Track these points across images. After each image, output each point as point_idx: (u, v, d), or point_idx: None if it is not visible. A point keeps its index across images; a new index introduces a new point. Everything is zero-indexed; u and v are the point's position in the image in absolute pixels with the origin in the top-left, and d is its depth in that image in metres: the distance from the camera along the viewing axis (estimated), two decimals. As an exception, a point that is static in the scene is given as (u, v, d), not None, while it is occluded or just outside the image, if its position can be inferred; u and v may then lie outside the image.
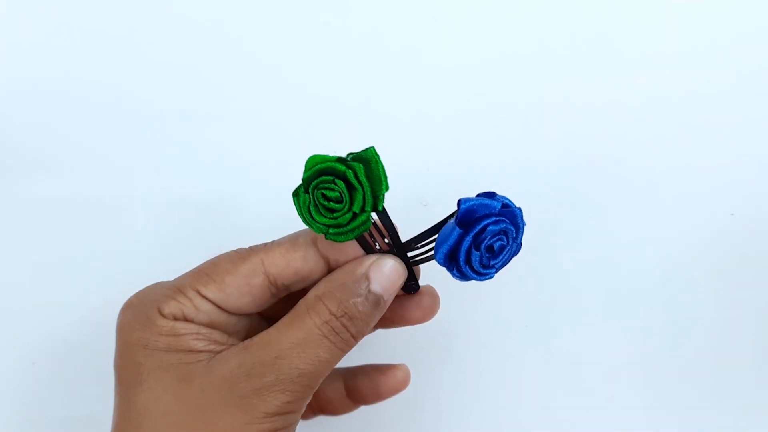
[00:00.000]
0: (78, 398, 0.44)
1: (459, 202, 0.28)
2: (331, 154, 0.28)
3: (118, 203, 0.44)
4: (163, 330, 0.29)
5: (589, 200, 0.44)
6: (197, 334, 0.29)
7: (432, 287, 0.34)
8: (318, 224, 0.29)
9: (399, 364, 0.37)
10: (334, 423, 0.39)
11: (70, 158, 0.44)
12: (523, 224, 0.30)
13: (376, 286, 0.30)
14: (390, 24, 0.44)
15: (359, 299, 0.29)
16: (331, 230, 0.29)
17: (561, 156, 0.44)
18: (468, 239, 0.28)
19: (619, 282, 0.44)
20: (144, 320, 0.30)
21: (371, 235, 0.30)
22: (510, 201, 0.29)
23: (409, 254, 0.31)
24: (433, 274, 0.33)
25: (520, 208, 0.29)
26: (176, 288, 0.31)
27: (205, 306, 0.30)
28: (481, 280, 0.29)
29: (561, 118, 0.44)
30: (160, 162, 0.44)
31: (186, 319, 0.30)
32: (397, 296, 0.32)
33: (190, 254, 0.44)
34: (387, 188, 0.28)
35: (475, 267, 0.29)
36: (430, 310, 0.34)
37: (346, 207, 0.28)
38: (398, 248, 0.30)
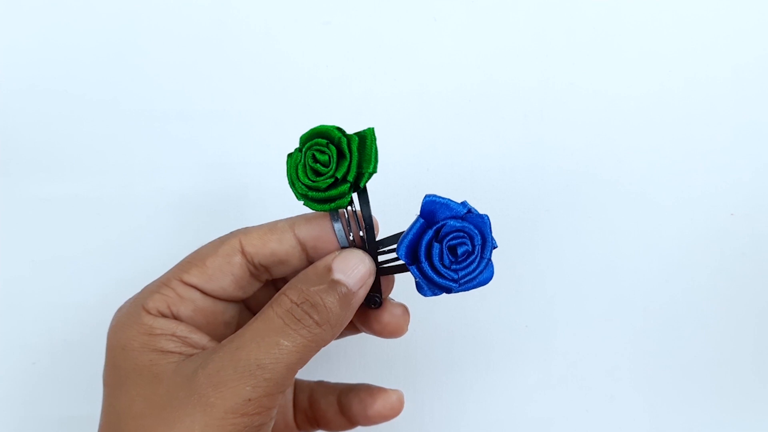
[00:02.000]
0: (78, 398, 0.44)
1: (425, 196, 0.28)
2: (335, 124, 0.29)
3: (117, 203, 0.44)
4: (141, 329, 0.29)
5: (589, 200, 0.44)
6: (172, 335, 0.29)
7: (402, 306, 0.33)
8: (300, 184, 0.29)
9: (393, 390, 0.35)
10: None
11: (70, 158, 0.44)
12: (492, 239, 0.29)
13: (340, 275, 0.29)
14: (390, 24, 0.44)
15: (322, 287, 0.29)
16: (310, 193, 0.29)
17: (561, 156, 0.44)
18: (429, 232, 0.28)
19: (620, 282, 0.44)
20: (127, 320, 0.30)
21: (348, 223, 0.31)
22: (477, 211, 0.29)
23: (381, 258, 0.31)
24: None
25: (486, 215, 0.29)
26: (160, 282, 0.31)
27: (189, 293, 0.30)
28: (440, 283, 0.28)
29: (561, 118, 0.44)
30: (160, 162, 0.44)
31: (172, 312, 0.30)
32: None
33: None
34: (375, 170, 0.29)
35: (435, 263, 0.28)
36: (390, 328, 0.32)
37: (331, 172, 0.29)
38: (370, 242, 0.30)
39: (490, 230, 0.29)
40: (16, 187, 0.44)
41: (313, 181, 0.29)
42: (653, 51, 0.44)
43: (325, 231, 0.31)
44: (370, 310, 0.32)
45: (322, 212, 0.30)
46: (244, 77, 0.44)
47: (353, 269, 0.29)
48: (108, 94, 0.44)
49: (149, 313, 0.30)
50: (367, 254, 0.30)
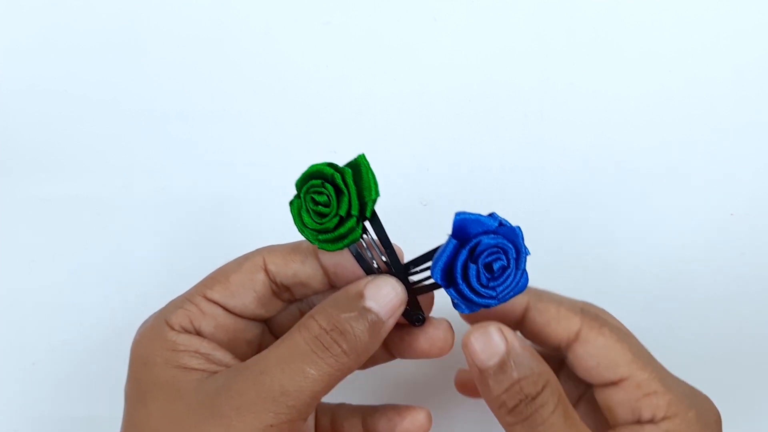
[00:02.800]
0: (77, 398, 0.44)
1: (455, 215, 0.28)
2: (325, 161, 0.29)
3: (117, 203, 0.44)
4: (164, 344, 0.29)
5: (589, 200, 0.44)
6: (195, 351, 0.29)
7: (446, 321, 0.32)
8: (309, 230, 0.29)
9: (420, 407, 0.34)
10: None
11: (70, 158, 0.44)
12: (525, 249, 0.28)
13: (371, 303, 0.28)
14: (390, 24, 0.44)
15: (352, 314, 0.28)
16: (320, 236, 0.28)
17: (561, 156, 0.44)
18: (464, 252, 0.27)
19: (619, 282, 0.44)
20: (150, 334, 0.30)
21: (368, 251, 0.30)
22: (509, 222, 0.28)
23: (413, 279, 0.30)
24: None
25: (519, 228, 0.28)
26: (184, 297, 0.31)
27: (211, 309, 0.30)
28: (479, 303, 0.28)
29: (561, 118, 0.44)
30: (160, 162, 0.44)
31: (194, 328, 0.30)
32: (404, 325, 0.31)
33: (190, 254, 0.44)
34: (377, 195, 0.28)
35: (473, 284, 0.28)
36: (440, 344, 0.32)
37: (333, 211, 0.28)
38: (395, 266, 0.29)
39: (523, 241, 0.28)
40: (16, 187, 0.44)
41: (320, 224, 0.28)
42: (653, 51, 0.44)
43: (347, 259, 0.30)
44: (413, 332, 0.32)
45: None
46: (244, 77, 0.44)
47: (385, 297, 0.29)
48: (108, 94, 0.44)
49: (172, 328, 0.30)
50: (399, 282, 0.29)
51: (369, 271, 0.30)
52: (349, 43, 0.44)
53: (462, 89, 0.44)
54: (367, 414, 0.35)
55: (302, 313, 0.34)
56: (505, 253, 0.28)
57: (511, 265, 0.28)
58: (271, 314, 0.32)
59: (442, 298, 0.33)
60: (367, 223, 0.29)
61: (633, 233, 0.44)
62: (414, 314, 0.31)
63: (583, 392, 0.35)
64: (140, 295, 0.44)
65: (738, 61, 0.44)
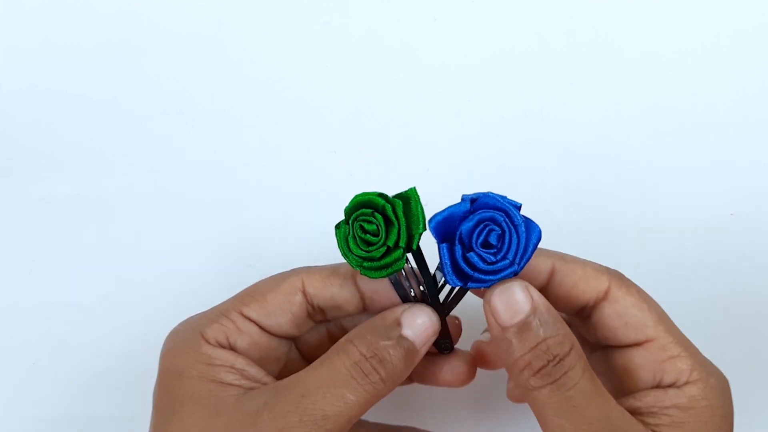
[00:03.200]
0: (78, 398, 0.44)
1: (428, 223, 0.28)
2: (376, 191, 0.29)
3: (118, 203, 0.44)
4: (200, 358, 0.29)
5: (589, 200, 0.44)
6: (231, 367, 0.29)
7: (470, 354, 0.33)
8: (353, 256, 0.29)
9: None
10: None
11: (70, 158, 0.44)
12: (513, 204, 0.28)
13: (408, 331, 0.29)
14: (390, 24, 0.44)
15: (390, 342, 0.28)
16: (365, 263, 0.29)
17: (561, 156, 0.44)
18: (456, 248, 0.28)
19: (619, 282, 0.44)
20: (184, 346, 0.30)
21: (407, 280, 0.30)
22: (479, 194, 0.28)
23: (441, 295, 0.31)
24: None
25: (491, 192, 0.28)
26: (219, 312, 0.31)
27: (248, 327, 0.31)
28: (503, 276, 0.28)
29: (561, 118, 0.44)
30: (160, 162, 0.44)
31: (229, 343, 0.30)
32: (430, 353, 0.32)
33: (190, 254, 0.44)
34: (424, 229, 0.28)
35: (481, 267, 0.28)
36: (462, 377, 0.33)
37: (382, 241, 0.28)
38: (432, 295, 0.30)
39: (502, 199, 0.28)
40: (16, 187, 0.44)
41: (366, 252, 0.29)
42: (653, 51, 0.44)
43: (385, 286, 0.31)
44: (437, 362, 0.33)
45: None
46: (244, 77, 0.44)
47: (421, 326, 0.29)
48: (108, 94, 0.44)
49: (208, 342, 0.30)
50: (434, 311, 0.30)
51: (405, 298, 0.31)
52: (349, 43, 0.44)
53: (462, 89, 0.44)
54: None
55: (329, 333, 0.34)
56: (494, 221, 0.28)
57: (506, 228, 0.28)
58: (301, 333, 0.33)
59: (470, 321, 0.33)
60: (409, 255, 0.29)
61: (633, 233, 0.44)
62: (443, 342, 0.32)
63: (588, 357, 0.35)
64: (140, 295, 0.44)
65: (738, 61, 0.44)
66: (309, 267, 0.32)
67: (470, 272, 0.28)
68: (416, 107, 0.44)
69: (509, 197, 0.29)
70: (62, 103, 0.44)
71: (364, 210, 0.29)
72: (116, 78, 0.44)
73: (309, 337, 0.34)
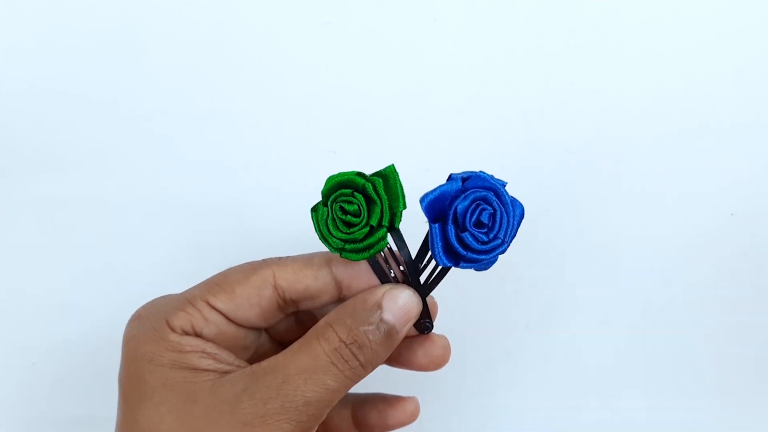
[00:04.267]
0: (78, 398, 0.44)
1: (420, 202, 0.28)
2: (353, 170, 0.28)
3: (117, 203, 0.44)
4: (169, 345, 0.29)
5: (589, 200, 0.44)
6: (202, 352, 0.29)
7: (445, 338, 0.33)
8: (334, 239, 0.28)
9: (409, 397, 0.35)
10: None
11: (70, 158, 0.44)
12: (501, 183, 0.28)
13: (389, 315, 0.29)
14: (390, 24, 0.44)
15: (370, 327, 0.28)
16: (347, 246, 0.28)
17: (561, 156, 0.44)
18: (450, 227, 0.28)
19: (619, 282, 0.44)
20: (151, 333, 0.29)
21: (386, 261, 0.30)
22: (470, 172, 0.28)
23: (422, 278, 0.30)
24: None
25: (482, 172, 0.28)
26: (186, 299, 0.30)
27: (214, 317, 0.30)
28: (494, 255, 0.28)
29: (561, 118, 0.44)
30: (160, 162, 0.44)
31: (195, 332, 0.30)
32: (407, 337, 0.32)
33: (190, 254, 0.44)
34: (404, 206, 0.28)
35: (476, 247, 0.28)
36: (438, 360, 0.33)
37: (364, 221, 0.28)
38: (413, 276, 0.30)
39: (494, 179, 0.28)
40: (16, 187, 0.44)
41: (348, 233, 0.28)
42: (653, 51, 0.44)
43: (363, 271, 0.30)
44: (412, 347, 0.32)
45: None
46: (244, 77, 0.44)
47: (401, 309, 0.29)
48: (108, 94, 0.44)
49: (173, 330, 0.29)
50: (415, 292, 0.29)
51: (384, 280, 0.30)
52: (349, 43, 0.44)
53: (462, 89, 0.44)
54: (357, 405, 0.35)
55: (297, 320, 0.34)
56: (486, 201, 0.28)
57: (497, 207, 0.28)
58: (271, 324, 0.32)
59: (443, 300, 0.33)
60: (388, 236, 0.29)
61: (633, 233, 0.44)
62: (423, 323, 0.31)
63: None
64: (140, 295, 0.44)
65: (738, 61, 0.44)
66: (281, 258, 0.31)
67: (463, 252, 0.28)
68: (416, 107, 0.44)
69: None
70: (62, 103, 0.44)
71: (343, 190, 0.28)
72: (116, 78, 0.44)
73: (279, 325, 0.33)
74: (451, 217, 0.28)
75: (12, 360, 0.44)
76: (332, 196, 0.28)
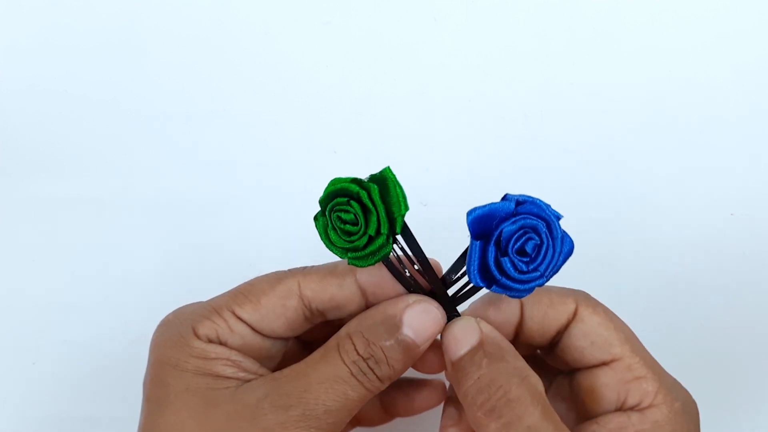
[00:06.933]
0: (78, 398, 0.44)
1: (467, 215, 0.26)
2: (350, 176, 0.28)
3: (117, 203, 0.44)
4: (194, 351, 0.29)
5: (589, 200, 0.44)
6: (227, 360, 0.29)
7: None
8: (337, 248, 0.28)
9: (435, 380, 0.34)
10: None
11: (70, 158, 0.44)
12: (556, 215, 0.27)
13: (409, 330, 0.28)
14: (390, 24, 0.44)
15: (388, 343, 0.28)
16: (349, 254, 0.27)
17: (561, 156, 0.44)
18: (491, 248, 0.26)
19: (619, 282, 0.44)
20: (177, 339, 0.29)
21: (400, 262, 0.29)
22: (527, 196, 0.27)
23: (455, 286, 0.29)
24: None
25: (539, 200, 0.27)
26: (212, 308, 0.30)
27: (240, 328, 0.30)
28: (529, 287, 0.27)
29: (561, 118, 0.44)
30: (160, 162, 0.44)
31: (220, 341, 0.30)
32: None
33: (190, 254, 0.44)
34: (406, 209, 0.27)
35: (512, 275, 0.26)
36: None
37: (362, 230, 0.27)
38: (431, 277, 0.29)
39: (549, 210, 0.27)
40: (16, 187, 0.44)
41: (349, 242, 0.27)
42: (653, 51, 0.44)
43: (386, 279, 0.29)
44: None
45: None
46: (244, 77, 0.44)
47: (423, 324, 0.28)
48: (108, 94, 0.44)
49: (199, 338, 0.29)
50: (438, 306, 0.29)
51: (408, 287, 0.29)
52: (349, 43, 0.44)
53: (462, 89, 0.44)
54: (383, 390, 0.35)
55: (328, 324, 0.33)
56: (535, 230, 0.26)
57: (544, 240, 0.26)
58: (298, 334, 0.32)
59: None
60: (399, 237, 0.28)
61: (633, 233, 0.44)
62: (450, 315, 0.30)
63: (550, 383, 0.34)
64: (140, 294, 0.44)
65: (738, 61, 0.44)
66: (306, 268, 0.31)
67: (498, 276, 0.26)
68: (416, 107, 0.44)
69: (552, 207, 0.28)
70: (62, 103, 0.44)
71: (338, 199, 0.27)
72: (116, 78, 0.44)
73: (310, 329, 0.33)
74: (494, 238, 0.26)
75: (12, 360, 0.44)
76: (329, 205, 0.28)
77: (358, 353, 0.28)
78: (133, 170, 0.44)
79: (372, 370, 0.28)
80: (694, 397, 0.32)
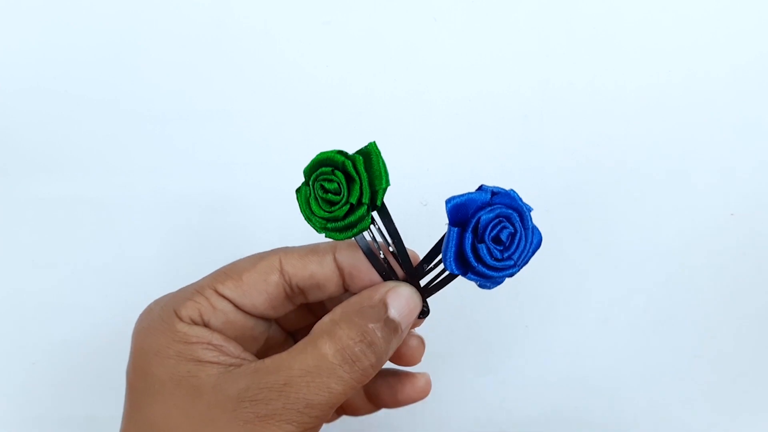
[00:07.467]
0: (77, 398, 0.44)
1: (446, 203, 0.27)
2: (337, 149, 0.28)
3: (117, 203, 0.44)
4: (175, 336, 0.29)
5: (589, 200, 0.44)
6: (208, 344, 0.29)
7: (420, 337, 0.34)
8: (316, 218, 0.28)
9: (420, 373, 0.35)
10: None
11: (70, 158, 0.44)
12: (527, 207, 0.28)
13: (394, 312, 0.28)
14: (390, 24, 0.44)
15: (378, 324, 0.28)
16: (329, 224, 0.28)
17: (561, 156, 0.44)
18: (468, 235, 0.27)
19: (620, 282, 0.44)
20: (159, 325, 0.29)
21: (378, 246, 0.30)
22: (501, 188, 0.28)
23: (430, 275, 0.30)
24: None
25: (512, 191, 0.28)
26: (194, 289, 0.30)
27: (222, 304, 0.30)
28: (502, 276, 0.28)
29: (561, 118, 0.44)
30: (160, 162, 0.44)
31: (203, 321, 0.30)
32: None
33: (190, 253, 0.44)
34: (387, 183, 0.27)
35: (488, 262, 0.27)
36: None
37: (344, 198, 0.27)
38: (403, 258, 0.29)
39: (521, 201, 0.28)
40: (15, 187, 0.44)
41: (329, 212, 0.28)
42: (653, 51, 0.44)
43: (363, 260, 0.30)
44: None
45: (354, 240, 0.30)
46: (244, 77, 0.44)
47: (405, 306, 0.29)
48: (108, 94, 0.44)
49: (182, 320, 0.29)
50: (416, 291, 0.29)
51: (383, 272, 0.30)
52: (349, 43, 0.44)
53: (462, 89, 0.44)
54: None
55: (309, 308, 0.34)
56: (509, 219, 0.28)
57: (518, 229, 0.28)
58: (280, 315, 0.32)
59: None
60: (375, 216, 0.28)
61: (633, 233, 0.44)
62: (422, 309, 0.31)
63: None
64: (140, 294, 0.44)
65: (738, 61, 0.44)
66: (288, 247, 0.31)
67: (474, 263, 0.27)
68: (416, 107, 0.44)
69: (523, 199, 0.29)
70: (62, 103, 0.44)
71: (323, 168, 0.28)
72: (116, 78, 0.44)
73: (289, 315, 0.33)
74: (471, 225, 0.27)
75: (12, 360, 0.44)
76: (313, 175, 0.28)
77: (348, 337, 0.28)
78: (132, 170, 0.44)
79: (365, 355, 0.28)
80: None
